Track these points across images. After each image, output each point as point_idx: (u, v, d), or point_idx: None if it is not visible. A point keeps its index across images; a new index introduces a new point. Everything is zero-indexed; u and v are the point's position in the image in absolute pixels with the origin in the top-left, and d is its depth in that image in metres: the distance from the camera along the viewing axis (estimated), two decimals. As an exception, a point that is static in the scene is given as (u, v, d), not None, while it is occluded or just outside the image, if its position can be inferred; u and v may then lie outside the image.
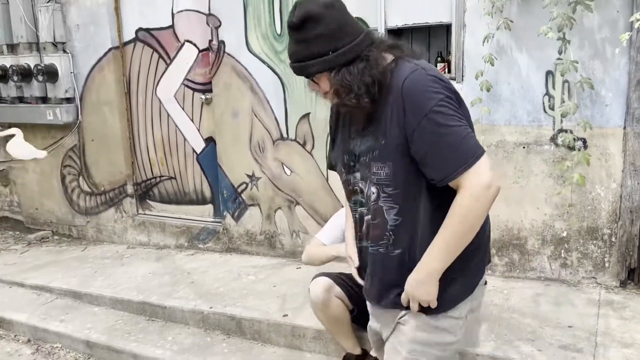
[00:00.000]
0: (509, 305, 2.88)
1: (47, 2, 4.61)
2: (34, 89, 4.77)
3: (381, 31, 3.36)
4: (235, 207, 4.16)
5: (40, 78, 4.59)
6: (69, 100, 4.71)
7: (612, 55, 2.80)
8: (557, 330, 2.57)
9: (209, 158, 4.30)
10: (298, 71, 1.50)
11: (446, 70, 3.32)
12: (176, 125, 4.44)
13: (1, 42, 4.89)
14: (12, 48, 4.96)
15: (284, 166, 3.89)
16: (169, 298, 3.39)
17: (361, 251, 1.67)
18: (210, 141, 4.29)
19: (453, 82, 3.15)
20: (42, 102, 4.83)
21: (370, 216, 1.56)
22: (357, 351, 2.59)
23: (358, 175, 1.58)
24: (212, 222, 4.38)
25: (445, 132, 1.38)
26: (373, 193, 1.52)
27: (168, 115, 4.45)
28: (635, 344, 2.40)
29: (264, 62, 3.80)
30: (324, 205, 3.78)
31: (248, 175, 4.04)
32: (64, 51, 4.69)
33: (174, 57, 4.32)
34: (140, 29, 4.43)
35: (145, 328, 3.23)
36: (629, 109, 2.84)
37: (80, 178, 4.92)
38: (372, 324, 1.79)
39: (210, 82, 4.11)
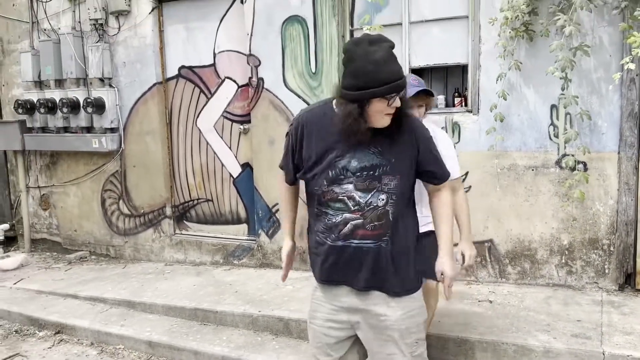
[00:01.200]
0: (524, 306, 3.32)
1: (97, 42, 5.13)
2: (81, 119, 5.24)
3: (405, 70, 3.89)
4: (270, 225, 4.59)
5: (89, 110, 5.06)
6: (112, 130, 5.17)
7: (606, 91, 3.33)
8: (568, 324, 3.01)
9: (244, 182, 4.76)
10: (405, 83, 1.80)
11: (463, 104, 3.84)
12: (215, 153, 4.90)
13: (51, 78, 5.37)
14: (60, 83, 5.45)
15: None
16: (218, 304, 3.78)
17: (334, 250, 1.91)
18: (246, 167, 4.75)
19: (469, 114, 3.69)
20: (87, 132, 5.29)
21: (367, 220, 1.86)
22: None
23: (349, 187, 1.86)
24: (247, 239, 4.80)
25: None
26: (382, 200, 1.86)
27: (207, 143, 4.92)
28: (634, 332, 2.84)
29: (299, 96, 4.30)
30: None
31: (282, 197, 4.48)
32: (110, 86, 5.18)
33: (215, 92, 4.82)
34: (183, 66, 4.94)
35: (200, 330, 3.61)
36: (622, 137, 3.36)
37: (120, 201, 5.33)
38: (342, 317, 1.99)
39: (248, 114, 4.61)
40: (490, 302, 3.44)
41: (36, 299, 4.39)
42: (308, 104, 4.27)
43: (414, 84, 2.42)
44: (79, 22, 5.26)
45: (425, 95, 2.47)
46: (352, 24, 4.12)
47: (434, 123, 2.65)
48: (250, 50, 4.47)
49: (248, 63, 4.50)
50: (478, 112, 3.70)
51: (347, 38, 4.10)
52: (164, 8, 4.95)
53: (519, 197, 3.65)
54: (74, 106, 5.16)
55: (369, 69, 1.72)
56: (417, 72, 4.01)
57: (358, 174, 1.85)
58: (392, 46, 1.78)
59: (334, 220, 1.90)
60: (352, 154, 1.85)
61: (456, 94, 3.93)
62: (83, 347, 3.71)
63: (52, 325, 3.96)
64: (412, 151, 1.89)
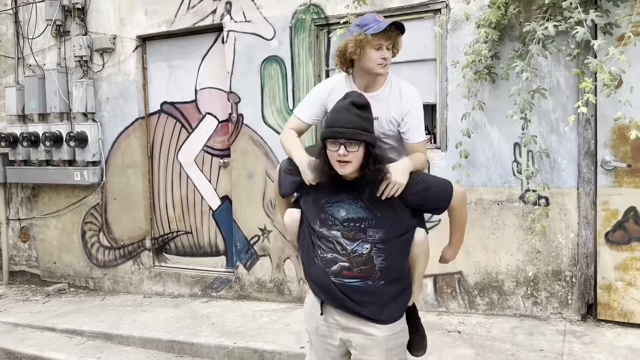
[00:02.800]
0: (491, 336, 3.44)
1: (81, 78, 5.27)
2: (63, 153, 5.33)
3: (378, 109, 4.08)
4: (248, 257, 4.68)
5: (71, 143, 5.16)
6: (94, 163, 5.27)
7: (564, 131, 3.54)
8: (531, 353, 3.13)
9: (223, 214, 4.87)
10: (352, 134, 1.90)
11: (432, 141, 4.03)
12: (195, 186, 5.02)
13: (35, 112, 5.47)
14: (43, 117, 5.56)
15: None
16: (195, 336, 3.84)
17: (330, 284, 2.04)
18: (225, 199, 4.87)
19: (438, 151, 3.87)
20: (69, 165, 5.38)
21: (353, 264, 2.00)
22: None
23: (337, 234, 2.01)
24: (225, 271, 4.88)
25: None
26: (366, 249, 1.99)
27: (187, 176, 5.04)
28: (593, 361, 2.97)
29: (277, 132, 4.45)
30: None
31: (260, 229, 4.60)
32: (94, 120, 5.30)
33: (196, 127, 4.97)
34: (165, 102, 5.09)
35: (176, 362, 3.66)
36: (580, 173, 3.55)
37: (101, 233, 5.39)
38: (341, 335, 2.10)
39: (228, 149, 4.75)
40: (459, 332, 3.55)
41: (13, 332, 4.39)
42: (285, 139, 4.43)
43: (379, 20, 2.17)
44: (64, 58, 5.41)
45: (396, 31, 2.20)
46: (327, 64, 4.32)
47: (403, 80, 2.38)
48: (230, 88, 4.64)
49: (228, 100, 4.67)
50: (446, 149, 3.88)
51: (323, 77, 4.29)
52: (148, 46, 5.13)
53: (486, 230, 3.81)
54: (56, 140, 5.26)
55: (327, 115, 2.05)
56: (389, 110, 4.20)
57: (345, 224, 2.00)
58: (358, 103, 1.94)
59: (326, 255, 2.04)
60: (341, 204, 2.02)
61: (426, 132, 4.11)
62: (59, 380, 3.73)
63: (28, 358, 3.97)
64: (399, 210, 2.01)
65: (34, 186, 5.75)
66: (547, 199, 3.64)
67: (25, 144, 5.41)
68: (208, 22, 4.69)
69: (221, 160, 4.85)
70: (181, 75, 5.00)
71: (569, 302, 3.64)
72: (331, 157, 1.95)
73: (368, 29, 2.15)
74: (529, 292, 3.74)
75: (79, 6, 5.21)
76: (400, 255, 2.07)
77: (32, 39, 5.54)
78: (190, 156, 5.03)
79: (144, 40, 5.11)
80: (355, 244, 2.00)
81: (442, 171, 3.87)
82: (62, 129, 5.30)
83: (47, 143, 5.26)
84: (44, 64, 5.52)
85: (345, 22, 3.79)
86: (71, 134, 5.17)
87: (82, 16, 5.25)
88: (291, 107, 4.40)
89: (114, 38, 5.14)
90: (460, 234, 2.33)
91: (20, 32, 5.67)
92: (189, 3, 4.76)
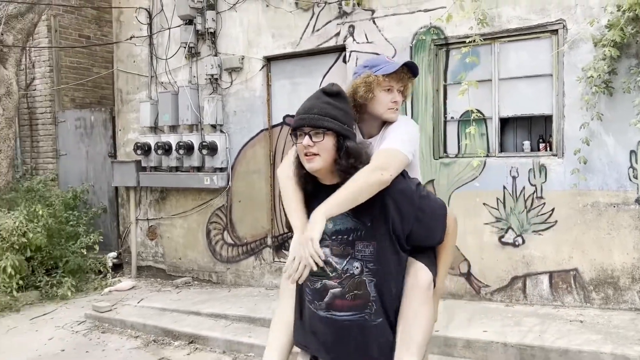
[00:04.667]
0: (613, 325, 3.77)
1: (211, 94, 5.95)
2: (193, 160, 6.00)
3: (495, 120, 4.52)
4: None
5: (203, 152, 5.82)
6: (222, 169, 5.91)
7: (680, 139, 3.86)
8: (657, 339, 3.45)
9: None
10: (315, 120, 1.70)
11: (548, 148, 4.41)
12: (314, 190, 5.56)
13: (167, 124, 6.19)
14: (173, 128, 6.26)
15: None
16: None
17: (320, 320, 1.80)
18: (343, 202, 5.37)
19: (555, 158, 4.24)
20: (197, 171, 6.04)
21: (346, 288, 1.75)
22: None
23: (326, 250, 1.74)
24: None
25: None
26: (356, 268, 1.74)
27: (307, 181, 5.59)
28: None
29: (396, 141, 4.94)
30: (445, 252, 4.75)
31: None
32: (221, 131, 5.95)
33: (316, 137, 5.52)
34: (288, 115, 5.68)
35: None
36: (695, 178, 3.86)
37: (225, 232, 6.01)
38: None
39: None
40: (581, 322, 3.89)
41: (163, 315, 5.02)
42: (404, 147, 4.90)
43: (389, 61, 2.01)
44: (195, 76, 6.11)
45: (408, 74, 2.01)
46: (445, 80, 4.79)
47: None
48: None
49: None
50: (562, 155, 4.25)
51: (441, 92, 4.76)
52: (272, 65, 5.75)
53: (601, 231, 4.14)
54: (188, 148, 5.93)
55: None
56: (504, 121, 4.62)
57: (334, 237, 1.77)
58: (328, 91, 1.76)
59: (316, 285, 1.80)
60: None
61: (541, 140, 4.51)
62: (217, 354, 4.29)
63: (185, 336, 4.56)
64: (387, 217, 1.73)
65: (163, 190, 6.45)
66: (661, 202, 3.95)
67: (159, 152, 6.11)
68: (331, 43, 5.26)
69: (340, 167, 5.38)
70: (303, 91, 5.57)
71: (685, 297, 3.92)
72: (300, 152, 1.75)
73: (378, 70, 1.95)
74: (644, 288, 4.04)
75: (211, 30, 5.90)
76: (395, 284, 1.77)
77: (166, 59, 6.28)
78: (309, 163, 5.58)
79: (269, 60, 5.74)
80: (345, 262, 1.75)
81: (558, 176, 4.25)
82: (193, 139, 5.97)
83: (180, 151, 5.94)
84: (176, 82, 6.24)
85: (472, 41, 4.23)
86: (203, 143, 5.82)
87: (213, 39, 5.94)
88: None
89: (242, 58, 5.79)
90: (445, 264, 1.92)
91: (154, 53, 6.43)
92: (314, 27, 5.35)
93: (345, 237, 1.75)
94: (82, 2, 7.77)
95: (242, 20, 5.75)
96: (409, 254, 1.81)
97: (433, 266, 1.86)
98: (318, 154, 1.71)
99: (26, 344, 4.60)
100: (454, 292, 4.70)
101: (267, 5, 5.58)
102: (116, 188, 6.87)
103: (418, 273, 1.79)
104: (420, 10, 4.75)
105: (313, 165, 1.72)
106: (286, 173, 1.89)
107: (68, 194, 6.38)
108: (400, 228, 1.73)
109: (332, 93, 1.76)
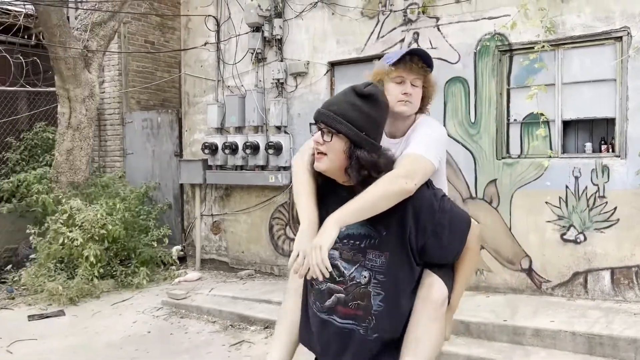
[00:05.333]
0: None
1: (276, 97, 6.29)
2: (259, 159, 6.35)
3: (558, 122, 4.73)
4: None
5: (270, 151, 6.17)
6: (285, 168, 6.24)
7: None
8: None
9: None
10: (328, 118, 1.61)
11: (610, 150, 4.60)
12: (375, 188, 5.84)
13: (234, 125, 6.55)
14: (239, 129, 6.62)
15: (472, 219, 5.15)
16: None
17: (321, 323, 1.75)
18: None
19: (617, 159, 4.42)
20: (262, 170, 6.39)
21: (350, 296, 1.68)
22: None
23: (335, 253, 1.68)
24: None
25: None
26: (364, 277, 1.66)
27: (369, 180, 5.88)
28: None
29: (458, 142, 5.19)
30: (506, 248, 4.97)
31: (439, 226, 5.32)
32: (285, 132, 6.29)
33: (378, 138, 5.81)
34: (350, 116, 5.98)
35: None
36: None
37: (287, 227, 6.33)
38: None
39: (409, 156, 5.53)
40: (645, 315, 4.08)
41: (236, 303, 5.36)
42: (467, 148, 5.15)
43: (400, 52, 1.90)
44: (261, 80, 6.47)
45: (421, 64, 1.89)
46: (508, 84, 5.02)
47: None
48: (414, 104, 5.44)
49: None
50: (626, 157, 4.44)
51: (504, 95, 5.00)
52: (336, 70, 6.07)
53: (665, 228, 4.32)
54: (255, 148, 6.28)
55: None
56: (567, 123, 4.83)
57: (345, 240, 1.69)
58: (359, 91, 1.64)
59: (320, 286, 1.75)
60: None
61: (603, 142, 4.70)
62: (293, 338, 4.60)
63: (260, 321, 4.89)
64: (405, 228, 1.65)
65: (227, 187, 6.82)
66: None
67: (226, 151, 6.48)
68: (396, 49, 5.54)
69: (402, 166, 5.65)
70: (366, 94, 5.87)
71: None
72: (314, 146, 1.68)
73: (389, 61, 1.89)
74: None
75: (278, 37, 6.25)
76: (404, 301, 1.68)
77: (234, 64, 6.66)
78: (371, 163, 5.86)
79: (333, 65, 6.05)
80: (354, 269, 1.68)
81: (621, 177, 4.44)
82: (259, 139, 6.32)
83: (247, 151, 6.29)
84: (242, 85, 6.61)
85: (541, 47, 4.46)
86: (270, 143, 6.17)
87: (280, 45, 6.29)
88: (472, 121, 5.13)
89: (307, 63, 6.12)
90: (463, 280, 1.83)
91: (221, 58, 6.82)
92: (379, 33, 5.65)
93: (357, 243, 1.67)
94: (148, 9, 8.24)
95: (308, 27, 6.09)
96: (423, 265, 1.72)
97: (450, 281, 1.74)
98: (325, 154, 1.63)
99: (113, 326, 4.99)
100: (514, 287, 4.92)
101: (333, 14, 5.91)
102: (181, 185, 7.27)
103: (433, 286, 1.68)
104: (484, 18, 5.01)
105: (319, 165, 1.66)
106: (300, 163, 1.79)
107: (141, 189, 6.79)
108: (415, 240, 1.65)
109: (361, 94, 1.63)
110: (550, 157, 4.75)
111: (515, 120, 5.00)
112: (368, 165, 1.60)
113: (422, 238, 1.64)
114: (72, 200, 5.93)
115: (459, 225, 1.72)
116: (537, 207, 4.80)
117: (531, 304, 4.54)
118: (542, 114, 4.33)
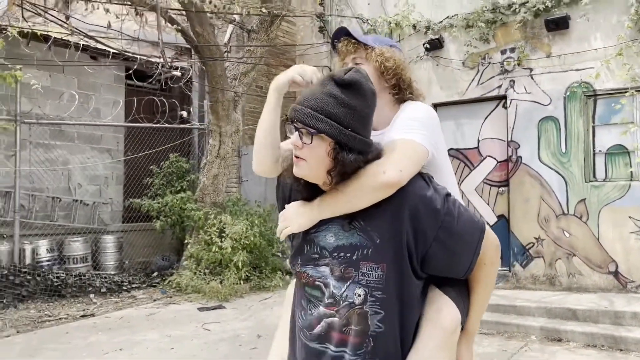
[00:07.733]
0: None
1: (386, 132, 7.57)
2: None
3: (638, 152, 5.90)
4: (523, 258, 6.52)
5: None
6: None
7: None
8: None
9: (499, 229, 6.78)
10: (305, 116, 1.36)
11: (682, 174, 5.74)
12: (474, 208, 7.02)
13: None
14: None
15: (564, 231, 6.28)
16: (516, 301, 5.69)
17: (312, 354, 1.50)
18: (501, 218, 6.79)
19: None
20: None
21: (344, 320, 1.44)
22: None
23: (325, 270, 1.47)
24: (501, 269, 6.74)
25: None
26: (358, 296, 1.42)
27: (468, 201, 7.06)
28: None
29: (551, 168, 6.37)
30: (595, 255, 6.06)
31: (535, 238, 6.45)
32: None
33: (477, 165, 7.03)
34: (452, 148, 7.23)
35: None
36: None
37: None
38: None
39: (505, 181, 6.72)
40: None
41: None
42: (559, 173, 6.32)
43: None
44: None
45: (347, 39, 1.72)
46: (593, 121, 6.22)
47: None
48: (511, 138, 6.67)
49: (508, 146, 6.69)
50: (696, 179, 5.57)
51: (590, 132, 6.20)
52: (439, 110, 7.35)
53: None
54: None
55: None
56: (643, 153, 5.99)
57: (335, 254, 1.46)
58: (338, 79, 1.39)
59: (309, 312, 1.51)
60: (328, 226, 1.48)
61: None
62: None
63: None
64: (401, 233, 1.41)
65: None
66: None
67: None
68: (494, 93, 6.82)
69: (500, 189, 6.84)
70: (466, 130, 7.13)
71: None
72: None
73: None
74: None
75: (388, 83, 7.57)
76: (407, 320, 1.46)
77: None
78: (471, 186, 7.07)
79: (436, 106, 7.33)
80: (345, 287, 1.44)
81: (693, 195, 5.56)
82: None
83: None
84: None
85: (632, 94, 5.67)
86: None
87: (389, 90, 7.60)
88: (563, 151, 6.31)
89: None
90: (481, 301, 1.60)
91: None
92: (479, 80, 6.94)
93: (348, 255, 1.43)
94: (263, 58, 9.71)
95: (420, 77, 7.42)
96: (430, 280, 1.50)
97: (463, 303, 1.53)
98: (304, 159, 1.40)
99: (273, 315, 6.15)
100: (603, 287, 5.98)
101: (437, 65, 7.24)
102: (294, 207, 8.51)
103: (443, 310, 1.47)
104: (572, 70, 6.26)
105: (296, 171, 1.43)
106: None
107: (267, 209, 8.09)
108: (414, 247, 1.41)
109: (342, 82, 1.38)
110: (631, 179, 5.89)
111: (600, 150, 6.17)
112: (353, 170, 1.39)
113: (422, 244, 1.42)
114: (222, 216, 7.23)
115: (469, 232, 1.45)
116: (621, 221, 5.90)
117: (621, 299, 5.60)
118: (631, 123, 5.52)
